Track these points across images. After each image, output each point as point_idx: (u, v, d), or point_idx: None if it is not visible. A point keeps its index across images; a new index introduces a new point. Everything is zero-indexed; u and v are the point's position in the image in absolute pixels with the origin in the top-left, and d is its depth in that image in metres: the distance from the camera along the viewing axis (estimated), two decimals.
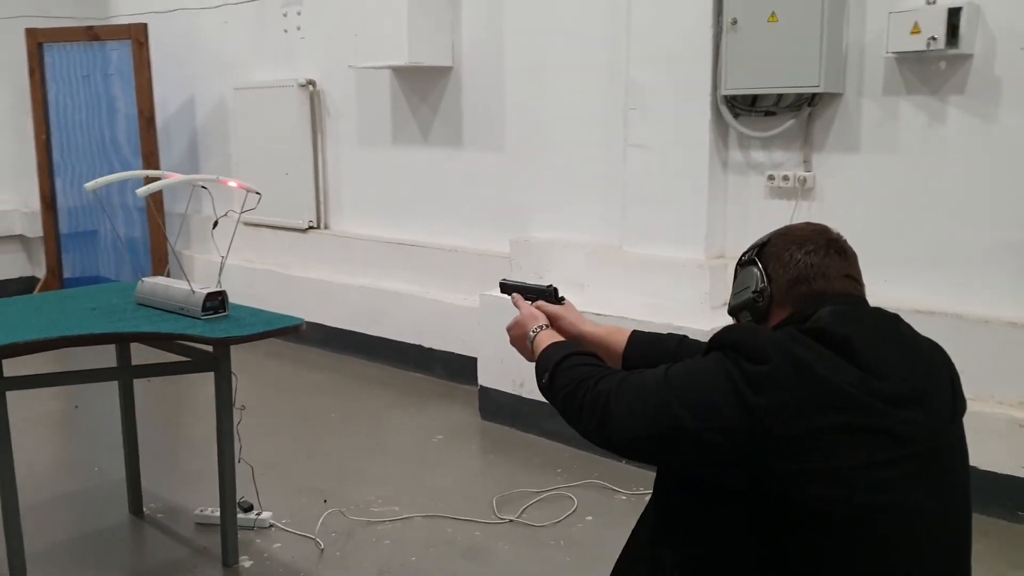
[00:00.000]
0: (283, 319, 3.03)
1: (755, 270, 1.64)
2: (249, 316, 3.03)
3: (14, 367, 2.90)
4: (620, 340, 1.99)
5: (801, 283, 1.59)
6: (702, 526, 1.52)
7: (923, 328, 1.62)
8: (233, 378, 3.08)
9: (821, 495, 1.38)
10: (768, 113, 3.96)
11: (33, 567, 2.95)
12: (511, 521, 3.46)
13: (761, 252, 1.66)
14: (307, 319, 5.71)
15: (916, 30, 3.45)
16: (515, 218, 4.98)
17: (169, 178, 2.97)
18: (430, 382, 5.18)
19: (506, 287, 2.09)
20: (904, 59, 3.60)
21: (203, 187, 3.19)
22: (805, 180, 3.91)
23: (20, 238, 7.49)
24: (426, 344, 5.25)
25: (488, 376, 4.52)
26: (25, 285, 7.30)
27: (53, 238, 6.84)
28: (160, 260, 6.59)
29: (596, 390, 1.57)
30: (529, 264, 4.77)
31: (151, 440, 4.18)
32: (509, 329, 1.98)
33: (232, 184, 2.99)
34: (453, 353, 5.07)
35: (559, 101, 4.72)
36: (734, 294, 1.69)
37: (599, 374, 1.61)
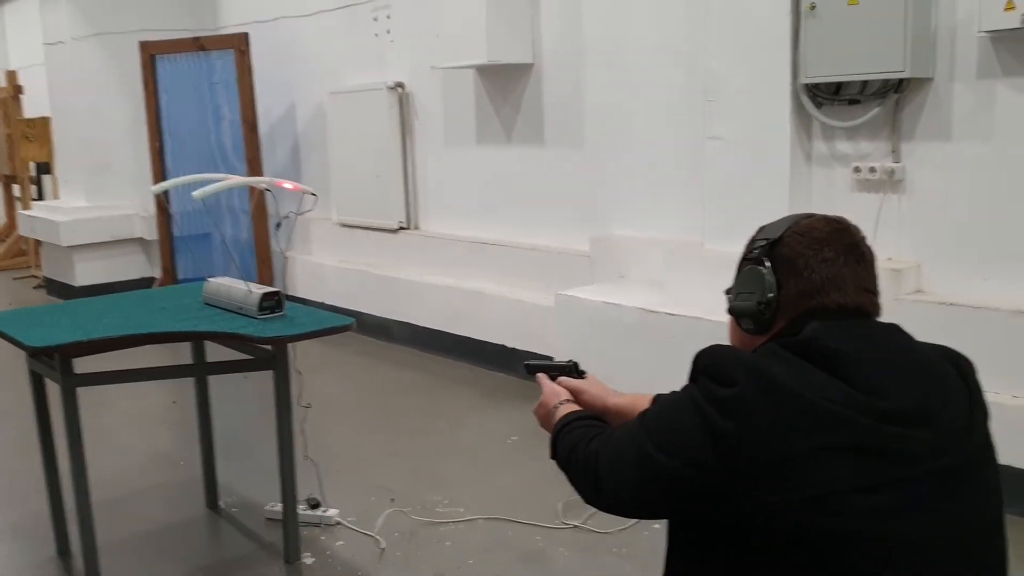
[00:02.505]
0: (334, 319, 3.05)
1: (764, 272, 1.46)
2: (303, 316, 3.06)
3: (119, 361, 3.06)
4: (644, 405, 1.91)
5: (813, 296, 1.42)
6: (703, 562, 1.41)
7: None
8: (297, 375, 3.13)
9: (808, 525, 1.25)
10: (852, 101, 3.75)
11: (107, 558, 3.05)
12: (575, 527, 3.38)
13: (772, 251, 1.48)
14: (396, 318, 5.89)
15: (1011, 6, 3.21)
16: (595, 215, 4.90)
17: (227, 181, 3.03)
18: (511, 382, 5.13)
19: (530, 368, 2.07)
20: (999, 38, 3.36)
21: (267, 190, 3.25)
22: (893, 171, 3.68)
23: (140, 241, 7.85)
24: (508, 344, 5.21)
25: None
26: (144, 285, 7.63)
27: (167, 241, 7.11)
28: (264, 262, 6.77)
29: (587, 450, 1.50)
30: (609, 262, 4.67)
31: (236, 435, 4.30)
32: (535, 411, 1.93)
33: (287, 186, 3.02)
34: (534, 352, 5.00)
35: (638, 95, 4.61)
36: (737, 294, 1.52)
37: (592, 434, 1.54)
